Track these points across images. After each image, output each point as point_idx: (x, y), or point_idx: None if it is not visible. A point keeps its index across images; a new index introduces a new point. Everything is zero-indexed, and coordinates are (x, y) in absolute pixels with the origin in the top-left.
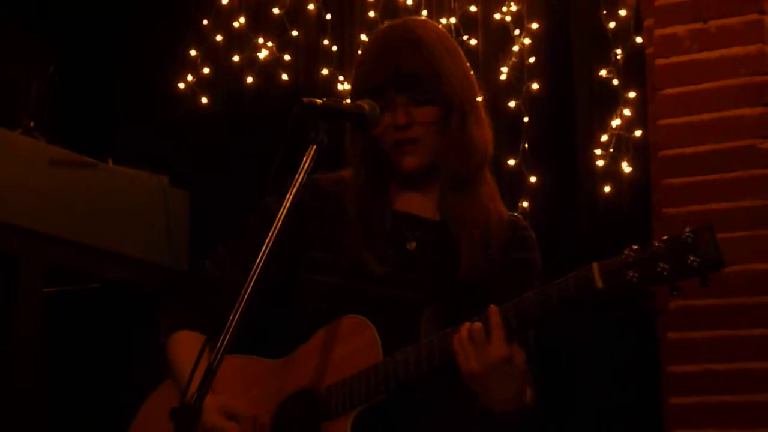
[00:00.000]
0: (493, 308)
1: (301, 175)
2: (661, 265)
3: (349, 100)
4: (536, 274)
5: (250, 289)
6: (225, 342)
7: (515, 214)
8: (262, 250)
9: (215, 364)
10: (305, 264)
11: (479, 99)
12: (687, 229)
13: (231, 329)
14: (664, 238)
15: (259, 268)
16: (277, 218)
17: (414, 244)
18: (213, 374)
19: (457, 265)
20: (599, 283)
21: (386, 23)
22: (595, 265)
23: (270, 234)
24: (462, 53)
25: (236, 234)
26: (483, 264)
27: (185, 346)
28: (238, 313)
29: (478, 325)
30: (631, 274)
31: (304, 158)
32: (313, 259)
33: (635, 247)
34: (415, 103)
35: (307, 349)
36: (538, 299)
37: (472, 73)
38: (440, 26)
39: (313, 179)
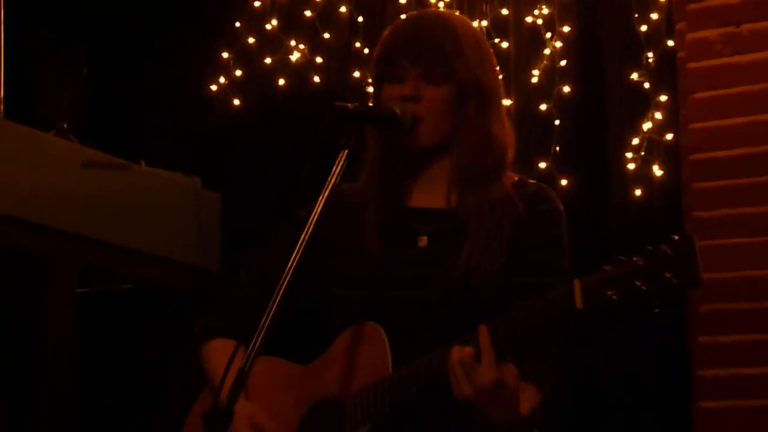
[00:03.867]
0: (482, 329)
1: (333, 180)
2: (638, 283)
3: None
4: (557, 252)
5: (280, 296)
6: (256, 346)
7: (539, 184)
8: (292, 257)
9: (247, 367)
10: (328, 274)
11: (505, 101)
12: (666, 243)
13: (262, 334)
14: (647, 248)
15: (289, 276)
16: (308, 224)
17: (425, 240)
18: (245, 378)
19: (468, 256)
20: (579, 303)
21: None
22: (577, 282)
23: (300, 241)
24: (491, 51)
25: (269, 245)
26: (492, 256)
27: (220, 354)
28: (269, 318)
29: (468, 350)
30: (610, 293)
31: (336, 163)
32: (334, 269)
33: (617, 258)
34: (427, 79)
35: (330, 355)
36: (525, 318)
37: (499, 73)
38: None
39: (340, 189)
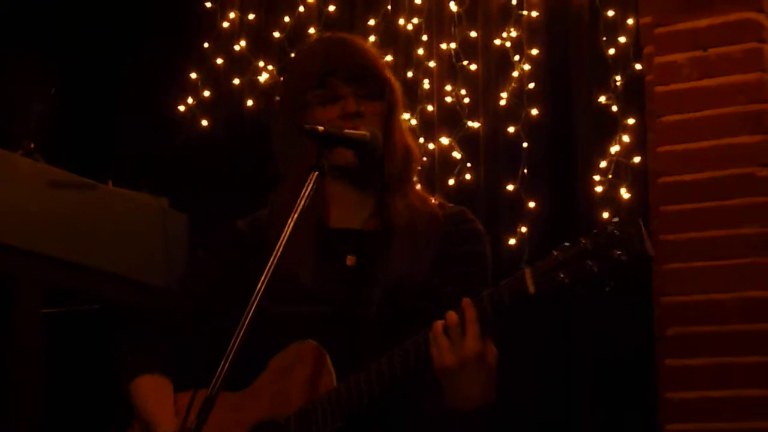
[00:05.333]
0: (467, 301)
1: (303, 202)
2: (589, 263)
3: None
4: (482, 267)
5: (245, 326)
6: (221, 375)
7: (459, 206)
8: (260, 282)
9: (213, 394)
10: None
11: (473, 123)
12: (613, 222)
13: (228, 362)
14: (593, 232)
15: (255, 304)
16: (276, 248)
17: (354, 259)
18: (211, 405)
19: (395, 273)
20: (531, 288)
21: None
22: (527, 270)
23: (269, 265)
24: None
25: (200, 255)
26: (421, 267)
27: (149, 391)
28: (234, 347)
29: (453, 317)
30: (562, 275)
31: (305, 185)
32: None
33: (565, 244)
34: (364, 96)
35: (264, 379)
36: (493, 297)
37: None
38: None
39: (256, 216)
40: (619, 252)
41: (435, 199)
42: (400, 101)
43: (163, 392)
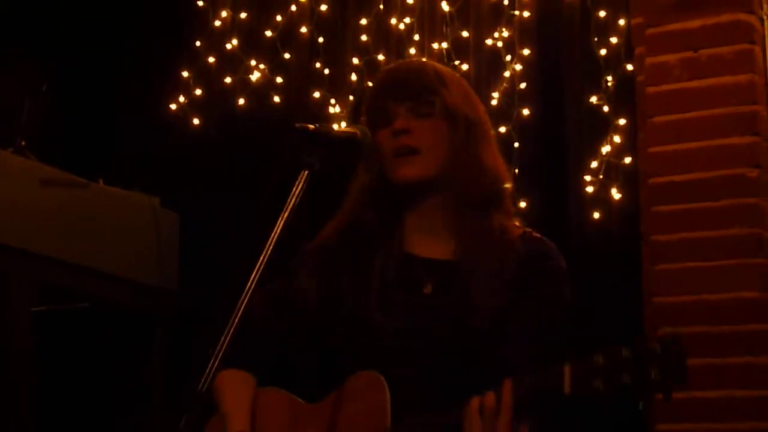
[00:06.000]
0: (507, 383)
1: (293, 201)
2: (626, 376)
3: (344, 124)
4: (556, 311)
5: (238, 314)
6: (213, 368)
7: (542, 239)
8: (252, 275)
9: (203, 389)
10: (333, 315)
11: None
12: (656, 339)
13: (219, 354)
14: (635, 344)
15: (248, 294)
16: (266, 246)
17: (430, 288)
18: (200, 400)
19: (470, 309)
20: (567, 388)
21: None
22: (567, 368)
23: (260, 259)
24: (472, 91)
25: (278, 277)
26: (496, 305)
27: (228, 386)
28: (226, 339)
29: (491, 399)
30: (597, 384)
31: (296, 184)
32: (339, 311)
33: (608, 347)
34: (416, 115)
35: (334, 399)
36: (527, 387)
37: (483, 108)
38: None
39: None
40: (656, 373)
41: (521, 228)
42: (477, 121)
43: (243, 387)
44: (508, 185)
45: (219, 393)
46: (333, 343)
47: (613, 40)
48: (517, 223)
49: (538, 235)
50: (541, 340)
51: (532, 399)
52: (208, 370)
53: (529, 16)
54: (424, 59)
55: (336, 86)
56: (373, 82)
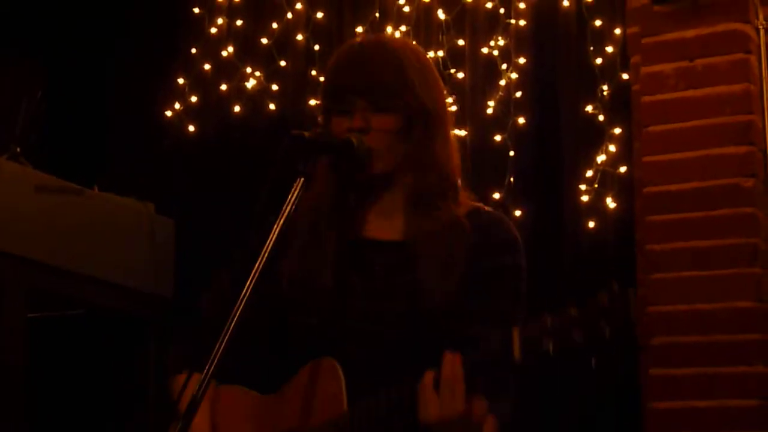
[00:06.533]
0: (453, 358)
1: (289, 208)
2: (575, 332)
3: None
4: (507, 279)
5: (234, 322)
6: (209, 374)
7: (494, 213)
8: (247, 283)
9: (199, 395)
10: (283, 301)
11: (459, 132)
12: (603, 293)
13: (215, 361)
14: (585, 300)
15: (243, 302)
16: (262, 252)
17: (380, 271)
18: (197, 405)
19: (420, 291)
20: (517, 352)
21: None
22: (516, 331)
23: (254, 270)
24: (435, 71)
25: (223, 269)
26: (447, 285)
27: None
28: (222, 346)
29: (444, 371)
30: (547, 343)
31: (292, 190)
32: (289, 296)
33: (557, 308)
34: (375, 109)
35: (290, 388)
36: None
37: (448, 97)
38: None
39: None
40: (603, 323)
41: (472, 204)
42: (436, 114)
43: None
44: (458, 178)
45: (176, 399)
46: (288, 328)
47: (609, 49)
48: (469, 201)
49: (489, 209)
50: (496, 310)
51: (484, 367)
52: (203, 376)
53: (524, 25)
54: (383, 37)
55: None
56: (332, 61)
